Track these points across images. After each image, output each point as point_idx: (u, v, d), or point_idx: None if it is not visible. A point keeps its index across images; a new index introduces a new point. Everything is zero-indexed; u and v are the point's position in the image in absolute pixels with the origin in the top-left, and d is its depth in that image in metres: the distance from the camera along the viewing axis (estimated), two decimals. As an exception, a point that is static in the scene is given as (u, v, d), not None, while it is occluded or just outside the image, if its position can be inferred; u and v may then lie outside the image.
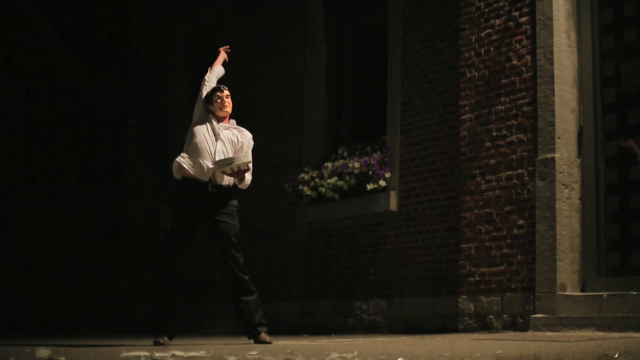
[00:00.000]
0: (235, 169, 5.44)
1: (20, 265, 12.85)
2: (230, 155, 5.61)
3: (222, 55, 6.13)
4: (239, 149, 5.70)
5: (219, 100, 5.73)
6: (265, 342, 5.31)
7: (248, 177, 5.58)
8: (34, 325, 11.84)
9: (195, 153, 5.59)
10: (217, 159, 5.52)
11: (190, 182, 5.56)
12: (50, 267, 13.00)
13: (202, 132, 5.66)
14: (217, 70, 6.02)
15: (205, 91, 5.83)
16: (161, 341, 5.43)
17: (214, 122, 5.71)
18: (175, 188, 5.74)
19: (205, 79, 5.92)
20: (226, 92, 5.78)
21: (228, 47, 6.24)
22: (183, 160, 5.60)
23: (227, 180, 5.56)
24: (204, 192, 5.52)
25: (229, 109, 5.79)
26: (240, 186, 5.61)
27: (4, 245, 12.76)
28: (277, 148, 9.45)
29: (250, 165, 5.56)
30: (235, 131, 5.77)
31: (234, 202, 5.62)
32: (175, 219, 5.68)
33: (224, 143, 5.63)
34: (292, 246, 9.04)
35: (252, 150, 5.79)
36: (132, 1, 13.54)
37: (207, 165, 5.53)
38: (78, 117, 14.00)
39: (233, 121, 5.86)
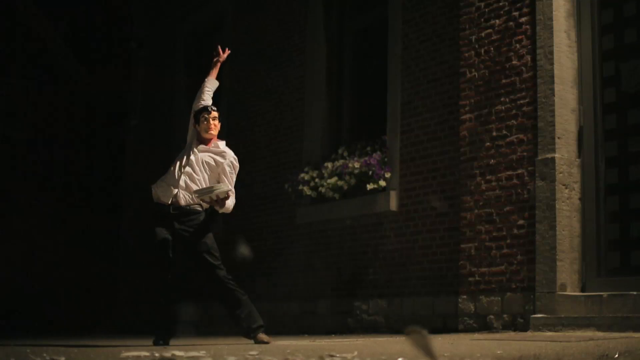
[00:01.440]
0: (215, 198, 5.42)
1: (20, 265, 12.85)
2: (201, 179, 5.57)
3: (218, 67, 6.02)
4: (219, 173, 5.62)
5: (205, 122, 5.67)
6: (263, 342, 5.32)
7: (229, 203, 5.49)
8: (34, 325, 11.84)
9: (166, 176, 5.64)
10: (181, 183, 5.53)
11: (157, 206, 5.61)
12: (50, 267, 13.00)
13: (181, 155, 5.68)
14: (212, 86, 5.93)
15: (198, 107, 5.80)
16: (161, 341, 5.44)
17: (194, 145, 5.69)
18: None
19: (201, 95, 5.84)
20: (213, 114, 5.69)
21: (226, 51, 6.07)
22: (155, 185, 5.65)
23: (187, 201, 5.53)
24: (168, 215, 5.53)
25: (214, 131, 5.70)
26: (221, 211, 5.54)
27: (3, 245, 12.76)
28: (277, 148, 9.44)
29: (232, 192, 5.51)
30: (214, 154, 5.67)
31: (200, 219, 5.55)
32: (152, 235, 5.64)
33: (193, 167, 5.58)
34: (292, 246, 9.03)
35: (243, 163, 5.75)
36: (132, 1, 13.54)
37: (171, 187, 5.55)
38: (78, 117, 14.00)
39: (220, 143, 5.76)
